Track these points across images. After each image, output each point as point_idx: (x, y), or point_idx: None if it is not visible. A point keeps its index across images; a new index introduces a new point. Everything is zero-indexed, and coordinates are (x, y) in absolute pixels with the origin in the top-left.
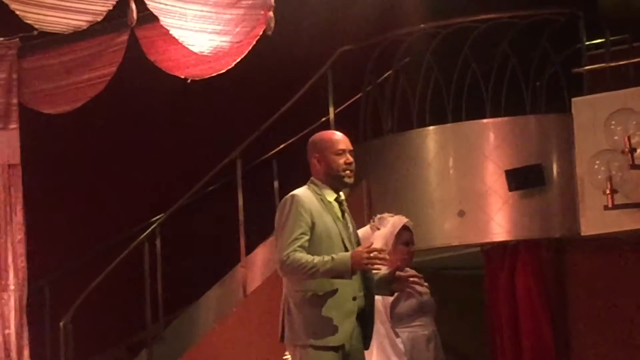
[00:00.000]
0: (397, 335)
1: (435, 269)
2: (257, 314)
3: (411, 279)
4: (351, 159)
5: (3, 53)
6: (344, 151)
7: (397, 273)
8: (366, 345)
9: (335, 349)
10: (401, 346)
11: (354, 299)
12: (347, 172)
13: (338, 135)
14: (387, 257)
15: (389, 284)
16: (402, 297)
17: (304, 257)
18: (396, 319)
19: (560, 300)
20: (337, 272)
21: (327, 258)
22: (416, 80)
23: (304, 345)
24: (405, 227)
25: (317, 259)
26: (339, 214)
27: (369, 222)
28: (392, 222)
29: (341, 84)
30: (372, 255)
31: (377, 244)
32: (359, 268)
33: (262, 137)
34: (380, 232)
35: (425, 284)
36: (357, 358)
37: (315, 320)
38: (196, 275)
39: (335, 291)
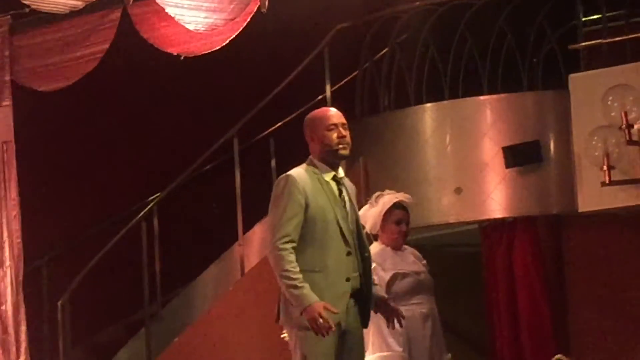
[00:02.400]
0: None
1: (433, 246)
2: (255, 293)
3: (396, 316)
4: (344, 133)
5: None
6: (335, 125)
7: (388, 301)
8: (364, 323)
9: None
10: (397, 325)
11: (347, 279)
12: (341, 145)
13: (330, 110)
14: (332, 327)
15: (378, 306)
16: (398, 276)
17: (291, 264)
18: (393, 298)
19: (558, 276)
20: (293, 302)
21: (300, 284)
22: (413, 57)
23: (298, 326)
24: (396, 206)
25: (295, 276)
26: (336, 193)
27: (365, 199)
28: (382, 201)
29: (338, 62)
30: (319, 322)
31: (368, 224)
32: (306, 318)
33: (259, 115)
34: (371, 211)
35: (424, 261)
36: (355, 336)
37: None
38: (193, 254)
39: (327, 272)
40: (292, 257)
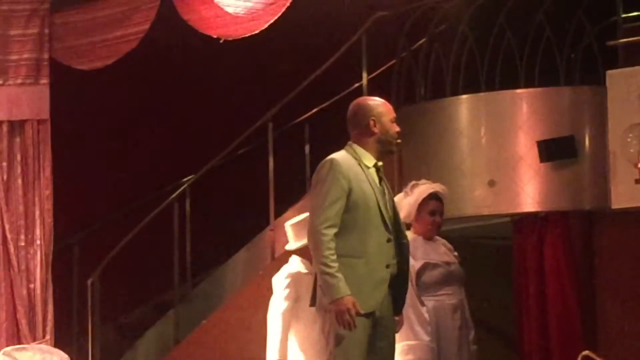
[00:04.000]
0: (423, 304)
1: (465, 238)
2: None
3: None
4: (399, 128)
5: (35, 7)
6: (395, 119)
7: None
8: (397, 311)
9: (365, 315)
10: (426, 315)
11: (387, 266)
12: (399, 140)
13: (388, 103)
14: (353, 327)
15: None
16: (428, 266)
17: (330, 250)
18: (422, 288)
19: (588, 273)
20: (325, 291)
21: (337, 274)
22: (450, 48)
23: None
24: (432, 196)
25: (333, 265)
26: (377, 180)
27: (399, 188)
28: (418, 191)
29: (375, 50)
30: (345, 317)
31: (403, 212)
32: (334, 309)
33: (295, 101)
34: (407, 200)
35: (455, 252)
36: (388, 325)
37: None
38: (225, 237)
39: (368, 258)
40: (333, 244)
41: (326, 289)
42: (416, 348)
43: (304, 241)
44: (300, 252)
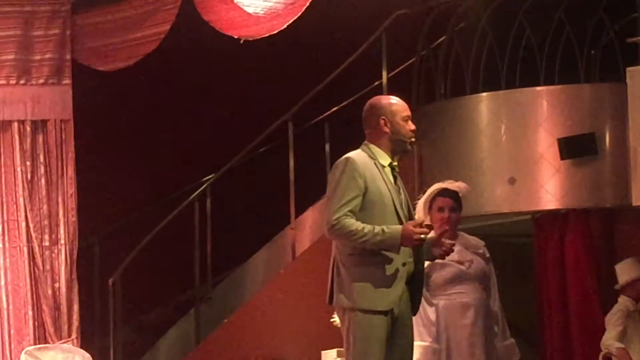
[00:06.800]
0: (431, 304)
1: (485, 236)
2: (305, 277)
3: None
4: (414, 127)
5: (57, 9)
6: (409, 118)
7: (442, 239)
8: (414, 310)
9: (383, 313)
10: (432, 316)
11: (404, 264)
12: (413, 139)
13: (402, 101)
14: (428, 232)
15: (431, 248)
16: (436, 266)
17: (354, 224)
18: (432, 287)
19: (610, 270)
20: (386, 246)
21: (377, 229)
22: (470, 46)
23: (352, 308)
24: (440, 193)
25: (367, 228)
26: (392, 179)
27: (419, 187)
28: (428, 191)
29: (395, 48)
30: (420, 230)
31: (418, 214)
32: (408, 245)
33: (315, 99)
34: (418, 202)
35: (480, 250)
36: (405, 323)
37: (365, 284)
38: (245, 237)
39: (385, 255)
40: (350, 219)
41: (385, 245)
42: (417, 349)
43: (627, 277)
44: (625, 291)
